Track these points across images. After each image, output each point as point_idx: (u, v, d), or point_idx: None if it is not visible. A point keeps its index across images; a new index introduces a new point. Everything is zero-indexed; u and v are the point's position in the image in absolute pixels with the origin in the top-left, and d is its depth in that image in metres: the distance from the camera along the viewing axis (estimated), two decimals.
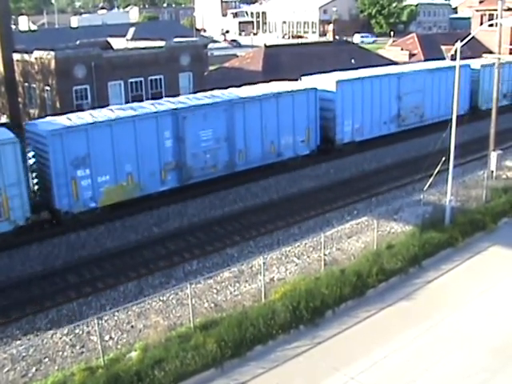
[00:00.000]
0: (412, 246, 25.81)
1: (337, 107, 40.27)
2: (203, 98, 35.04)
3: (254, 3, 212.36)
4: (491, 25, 33.52)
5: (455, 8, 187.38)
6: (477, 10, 78.82)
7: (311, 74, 42.99)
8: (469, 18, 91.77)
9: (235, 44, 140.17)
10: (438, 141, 30.85)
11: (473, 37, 30.06)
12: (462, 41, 27.77)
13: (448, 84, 46.16)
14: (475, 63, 52.18)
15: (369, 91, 42.16)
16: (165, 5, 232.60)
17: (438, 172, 30.27)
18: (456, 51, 27.75)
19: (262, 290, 22.36)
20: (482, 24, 66.68)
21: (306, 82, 41.04)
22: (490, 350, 19.91)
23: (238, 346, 19.58)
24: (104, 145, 29.54)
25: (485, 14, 75.14)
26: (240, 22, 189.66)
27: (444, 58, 63.09)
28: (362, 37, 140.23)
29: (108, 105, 38.85)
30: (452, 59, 56.44)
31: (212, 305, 22.23)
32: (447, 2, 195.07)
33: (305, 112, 38.11)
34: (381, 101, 43.20)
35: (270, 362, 19.44)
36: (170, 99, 34.49)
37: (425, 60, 64.73)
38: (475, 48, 65.18)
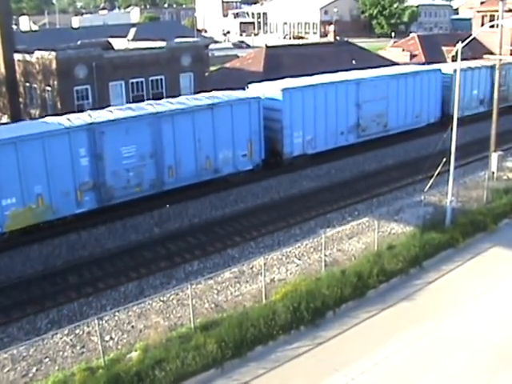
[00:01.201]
0: (413, 247, 25.81)
1: (284, 117, 37.08)
2: (126, 110, 32.05)
3: (255, 4, 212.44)
4: (492, 26, 33.53)
5: (456, 9, 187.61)
6: (478, 11, 78.74)
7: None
8: (470, 19, 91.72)
9: (244, 45, 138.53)
10: (438, 142, 30.85)
11: (474, 38, 30.06)
12: (463, 42, 27.74)
13: (416, 90, 45.59)
14: (447, 68, 49.44)
15: (322, 99, 38.96)
16: (166, 5, 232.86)
17: (438, 173, 30.30)
18: (457, 52, 27.72)
19: (262, 291, 22.37)
20: (483, 25, 66.65)
21: (253, 89, 38.35)
22: (490, 351, 19.90)
23: (239, 346, 19.58)
24: (8, 164, 26.76)
25: (486, 15, 75.04)
26: (241, 23, 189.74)
27: (445, 59, 63.23)
28: None
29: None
30: (453, 60, 56.59)
31: (212, 305, 22.23)
32: (448, 3, 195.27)
33: (246, 123, 34.88)
34: (337, 109, 39.95)
35: (271, 363, 19.44)
36: (92, 113, 31.10)
37: (426, 62, 64.56)
38: (476, 49, 65.14)
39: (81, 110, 36.23)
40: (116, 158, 29.98)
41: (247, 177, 35.29)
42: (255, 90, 38.10)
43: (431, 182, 30.69)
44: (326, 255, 24.96)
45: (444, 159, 29.58)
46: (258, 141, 35.70)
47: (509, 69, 53.74)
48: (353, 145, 41.61)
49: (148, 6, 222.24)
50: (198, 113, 32.91)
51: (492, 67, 49.58)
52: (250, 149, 35.34)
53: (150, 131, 31.08)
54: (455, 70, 46.26)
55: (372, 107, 42.30)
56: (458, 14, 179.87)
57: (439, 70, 48.02)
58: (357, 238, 27.66)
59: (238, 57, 77.97)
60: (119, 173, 30.24)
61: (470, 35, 29.72)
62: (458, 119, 45.43)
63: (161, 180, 31.90)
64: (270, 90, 37.46)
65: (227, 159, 34.49)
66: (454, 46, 28.88)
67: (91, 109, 36.70)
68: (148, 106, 32.44)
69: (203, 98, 34.50)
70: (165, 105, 32.79)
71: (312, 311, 21.43)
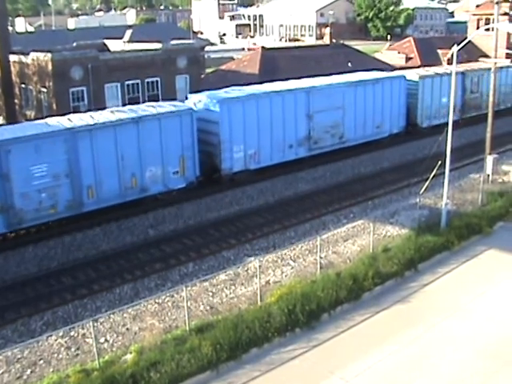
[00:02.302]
0: (408, 250, 25.83)
1: (222, 130, 34.12)
2: (37, 126, 29.71)
3: (251, 6, 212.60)
4: (488, 29, 33.54)
5: (452, 12, 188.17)
6: (473, 15, 78.94)
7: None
8: (465, 22, 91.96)
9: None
10: (434, 144, 30.88)
11: (469, 41, 30.11)
12: (458, 45, 27.79)
13: (377, 99, 42.85)
14: (412, 74, 46.85)
15: (267, 110, 36.03)
16: (162, 7, 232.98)
17: (434, 176, 30.35)
18: (452, 55, 27.78)
19: (257, 293, 22.37)
20: (478, 28, 66.77)
21: (192, 100, 35.72)
22: (484, 353, 19.91)
23: (234, 348, 19.57)
24: None
25: (481, 19, 75.22)
26: (237, 25, 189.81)
27: (441, 62, 63.22)
28: None
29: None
30: (448, 63, 56.57)
31: (208, 307, 22.21)
32: (444, 6, 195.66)
33: (178, 138, 32.02)
34: (284, 121, 37.01)
35: (266, 365, 19.43)
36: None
37: (421, 65, 64.64)
38: (471, 52, 65.35)
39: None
40: (25, 178, 27.45)
41: (181, 195, 32.66)
42: (194, 100, 35.50)
43: (426, 184, 30.74)
44: (321, 258, 24.96)
45: (439, 162, 29.65)
46: (191, 156, 32.81)
47: (482, 75, 51.62)
48: (304, 158, 38.79)
49: (144, 8, 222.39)
50: (121, 128, 30.06)
51: (463, 73, 49.32)
52: (182, 165, 32.47)
53: (64, 148, 28.45)
54: (421, 77, 46.35)
55: (325, 118, 39.36)
56: (453, 17, 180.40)
57: (403, 76, 45.47)
58: (352, 241, 27.68)
59: (233, 59, 77.93)
60: (30, 194, 27.69)
61: (466, 38, 29.77)
62: (423, 129, 46.15)
63: (79, 201, 29.26)
64: (208, 100, 34.76)
65: (156, 177, 31.66)
66: (450, 48, 28.86)
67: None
68: (64, 121, 29.69)
69: (128, 111, 31.70)
70: (83, 119, 30.06)
71: (307, 314, 21.42)
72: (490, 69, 50.07)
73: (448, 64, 57.91)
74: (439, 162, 29.93)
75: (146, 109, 32.33)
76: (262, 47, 65.94)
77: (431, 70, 48.89)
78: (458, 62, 28.54)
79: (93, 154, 29.37)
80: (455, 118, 45.41)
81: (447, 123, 44.60)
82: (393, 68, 62.33)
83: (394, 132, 44.65)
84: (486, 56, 62.38)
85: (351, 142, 41.66)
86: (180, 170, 32.58)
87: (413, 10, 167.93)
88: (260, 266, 23.05)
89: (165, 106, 32.98)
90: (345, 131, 41.00)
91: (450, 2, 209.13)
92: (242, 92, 36.50)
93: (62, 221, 29.13)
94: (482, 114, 48.82)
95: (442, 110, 47.46)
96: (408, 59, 73.59)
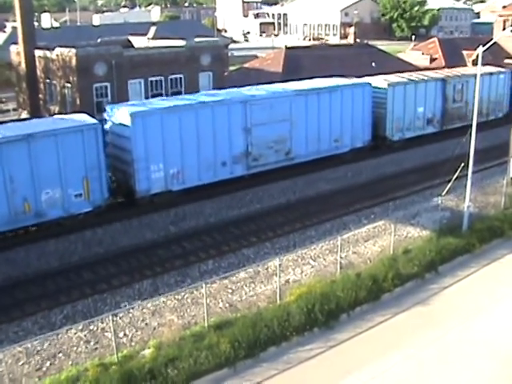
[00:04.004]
0: (429, 252, 25.70)
1: (135, 147, 30.15)
2: None
3: (275, 5, 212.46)
4: None
5: (478, 13, 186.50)
6: (500, 15, 78.40)
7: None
8: (491, 23, 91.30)
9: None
10: (456, 146, 30.62)
11: (495, 42, 29.87)
12: (483, 46, 27.57)
13: (334, 109, 37.99)
14: (380, 81, 42.10)
15: (192, 124, 31.80)
16: (186, 4, 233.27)
17: (456, 178, 30.14)
18: (477, 56, 27.57)
19: (277, 292, 22.37)
20: (504, 29, 66.26)
21: (107, 112, 32.03)
22: (503, 358, 19.76)
23: (252, 346, 19.60)
24: None
25: (508, 20, 74.71)
26: (261, 23, 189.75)
27: (465, 63, 62.47)
28: None
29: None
30: (474, 64, 55.93)
31: (227, 305, 22.25)
32: (469, 7, 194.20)
33: (80, 157, 28.16)
34: (215, 135, 32.67)
35: (283, 364, 19.43)
36: None
37: (446, 66, 64.17)
38: (497, 53, 64.84)
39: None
40: None
41: (87, 220, 29.05)
42: (112, 112, 31.79)
43: (449, 186, 30.53)
44: (341, 257, 24.90)
45: (462, 164, 29.45)
46: (97, 177, 28.98)
47: (467, 82, 46.75)
48: (243, 177, 34.64)
49: (169, 5, 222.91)
50: (8, 147, 26.36)
51: (443, 80, 45.21)
52: (86, 187, 28.66)
53: None
54: (391, 84, 41.68)
55: (267, 131, 34.66)
56: (479, 17, 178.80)
57: (368, 84, 40.37)
58: (373, 241, 27.58)
59: (257, 57, 77.97)
60: None
61: (491, 39, 29.51)
62: (394, 142, 41.91)
63: None
64: (121, 113, 30.89)
65: (54, 201, 27.96)
66: (475, 50, 28.61)
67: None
68: None
69: (19, 128, 28.36)
70: None
71: (326, 313, 21.40)
72: (475, 75, 48.39)
73: (473, 65, 57.36)
74: (462, 164, 29.69)
75: (43, 123, 29.47)
76: (286, 46, 65.85)
77: (405, 77, 44.33)
78: (483, 64, 28.25)
79: None
80: (432, 129, 45.19)
81: (424, 135, 43.33)
82: (417, 68, 61.98)
83: (356, 146, 39.89)
84: None
85: (301, 158, 36.88)
86: (84, 193, 28.74)
87: (438, 10, 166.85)
88: (280, 265, 23.03)
89: (67, 120, 29.51)
90: (293, 146, 36.21)
91: (476, 2, 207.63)
92: (161, 104, 32.49)
93: None
94: (467, 125, 45.62)
95: (418, 122, 44.02)
96: (432, 60, 73.16)
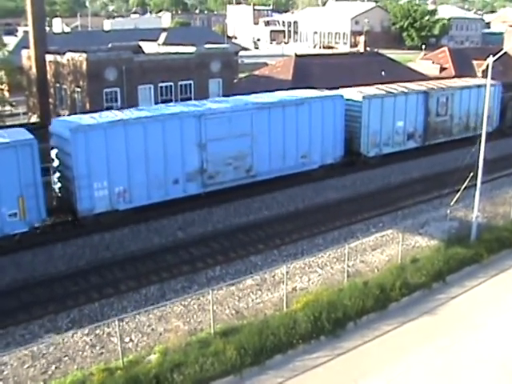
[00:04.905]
0: (437, 261, 25.63)
1: (76, 164, 28.16)
2: None
3: (285, 12, 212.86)
4: None
5: (488, 23, 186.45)
6: (510, 26, 78.25)
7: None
8: (502, 33, 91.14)
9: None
10: (466, 155, 30.55)
11: (505, 52, 29.80)
12: (494, 56, 27.52)
13: (302, 123, 35.72)
14: (354, 93, 39.79)
15: (140, 139, 29.71)
16: (197, 11, 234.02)
17: (465, 187, 30.07)
18: (487, 66, 27.51)
19: (283, 299, 22.33)
20: None
21: (53, 126, 30.46)
22: (508, 370, 19.66)
23: (258, 354, 19.55)
24: None
25: None
26: (271, 31, 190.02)
27: (475, 73, 62.18)
28: None
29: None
30: (483, 76, 55.68)
31: (233, 312, 22.22)
32: (480, 17, 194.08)
33: (14, 175, 26.28)
34: (165, 151, 30.53)
35: (290, 372, 19.38)
36: None
37: (456, 75, 64.02)
38: (507, 64, 64.66)
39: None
40: None
41: (25, 240, 27.12)
42: (55, 126, 30.28)
43: (457, 196, 30.45)
44: (348, 266, 24.86)
45: (471, 174, 29.37)
46: (33, 196, 26.96)
47: (452, 94, 44.94)
48: (200, 195, 32.43)
49: (179, 12, 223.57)
50: None
51: (425, 93, 42.98)
52: (21, 206, 26.72)
53: None
54: (366, 97, 39.13)
55: (225, 147, 32.44)
56: (489, 27, 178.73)
57: (340, 96, 38.00)
58: (380, 250, 27.51)
59: (267, 65, 78.04)
60: None
61: (502, 49, 29.44)
62: (369, 158, 39.20)
63: None
64: (63, 128, 29.07)
65: None
66: (485, 59, 28.50)
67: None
68: None
69: None
70: None
71: (333, 321, 21.35)
72: (462, 88, 45.49)
73: (483, 76, 57.20)
74: (471, 174, 29.60)
75: None
76: (296, 54, 65.90)
77: (383, 89, 41.77)
78: (493, 75, 28.15)
79: None
80: (414, 144, 42.75)
81: (405, 151, 41.03)
82: (427, 77, 61.89)
83: (327, 163, 37.47)
84: None
85: (264, 175, 34.46)
86: (19, 212, 26.77)
87: (448, 20, 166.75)
88: (287, 273, 22.99)
89: (4, 136, 27.22)
90: (254, 163, 33.86)
91: (487, 12, 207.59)
92: (106, 118, 30.14)
93: None
94: (452, 140, 44.72)
95: (397, 137, 41.60)
96: (442, 69, 73.00)
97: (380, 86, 43.14)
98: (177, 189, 31.39)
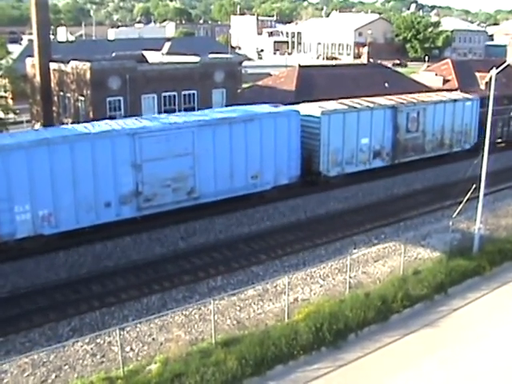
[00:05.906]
0: (439, 273, 25.60)
1: None
2: None
3: (289, 23, 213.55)
4: None
5: (491, 35, 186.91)
6: None
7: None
8: (505, 46, 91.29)
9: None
10: (468, 168, 30.54)
11: (508, 64, 29.83)
12: (497, 68, 27.55)
13: (252, 141, 33.22)
14: (313, 108, 37.17)
15: (66, 159, 27.42)
16: (201, 21, 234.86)
17: (467, 199, 30.04)
18: (491, 78, 27.54)
19: (285, 310, 22.29)
20: None
21: None
22: (509, 382, 19.58)
23: (259, 364, 19.51)
24: None
25: None
26: (275, 42, 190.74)
27: (478, 85, 62.17)
28: None
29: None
30: (486, 87, 55.66)
31: (234, 322, 22.18)
32: (483, 29, 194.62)
33: None
34: (96, 172, 28.25)
35: (290, 383, 19.35)
36: None
37: (459, 87, 64.01)
38: (510, 76, 64.64)
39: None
40: None
41: None
42: None
43: (460, 207, 30.41)
44: (350, 277, 24.83)
45: (474, 186, 29.36)
46: None
47: (424, 109, 42.25)
48: (135, 218, 30.21)
49: (183, 22, 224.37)
50: None
51: (394, 107, 40.25)
52: None
53: None
54: (325, 112, 36.36)
55: (163, 168, 30.20)
56: (493, 40, 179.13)
57: (295, 112, 35.39)
58: (382, 262, 27.47)
59: (270, 75, 78.19)
60: None
61: (505, 62, 29.49)
62: (330, 178, 35.92)
63: None
64: None
65: None
66: (488, 72, 28.53)
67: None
68: None
69: None
70: None
71: (334, 333, 21.31)
72: (435, 102, 42.83)
73: (486, 87, 57.18)
74: (473, 186, 29.59)
75: None
76: (299, 64, 66.03)
77: (346, 103, 39.11)
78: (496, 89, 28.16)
79: None
80: (381, 163, 39.70)
81: (371, 170, 38.38)
82: (430, 89, 61.95)
83: (281, 183, 34.92)
84: None
85: (209, 197, 32.18)
86: None
87: (452, 32, 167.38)
88: (289, 283, 22.96)
89: None
90: (197, 184, 31.59)
91: (490, 25, 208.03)
92: (28, 136, 28.16)
93: None
94: (425, 157, 42.59)
95: (362, 155, 38.83)
96: (445, 81, 72.98)
97: (344, 100, 40.34)
98: (109, 212, 29.16)
